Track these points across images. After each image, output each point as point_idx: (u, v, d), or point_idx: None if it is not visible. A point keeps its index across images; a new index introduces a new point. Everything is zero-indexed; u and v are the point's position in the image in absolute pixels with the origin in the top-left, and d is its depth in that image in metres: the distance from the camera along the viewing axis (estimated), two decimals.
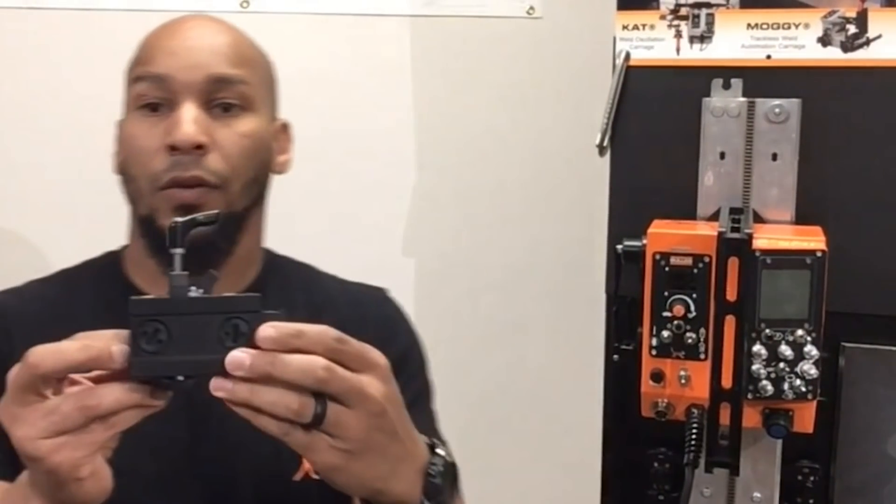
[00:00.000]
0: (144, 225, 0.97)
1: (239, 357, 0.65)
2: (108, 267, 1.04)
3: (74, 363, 0.66)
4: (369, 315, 1.12)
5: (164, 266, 0.88)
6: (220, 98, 0.97)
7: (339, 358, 0.68)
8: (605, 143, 1.10)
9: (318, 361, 0.66)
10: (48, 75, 1.68)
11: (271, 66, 1.11)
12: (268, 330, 0.66)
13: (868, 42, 1.07)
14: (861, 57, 1.07)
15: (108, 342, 0.66)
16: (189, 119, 0.94)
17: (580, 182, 1.65)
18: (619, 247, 1.06)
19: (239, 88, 0.98)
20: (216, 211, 0.75)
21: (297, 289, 1.11)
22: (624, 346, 1.09)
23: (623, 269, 1.07)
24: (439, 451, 0.82)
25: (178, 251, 0.70)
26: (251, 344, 0.66)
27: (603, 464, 1.19)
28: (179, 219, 0.70)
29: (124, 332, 0.67)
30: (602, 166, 1.15)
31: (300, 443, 0.68)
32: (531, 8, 1.71)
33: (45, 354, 0.65)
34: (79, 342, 0.66)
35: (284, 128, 1.13)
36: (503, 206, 1.77)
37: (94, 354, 0.65)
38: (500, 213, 1.78)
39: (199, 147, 0.94)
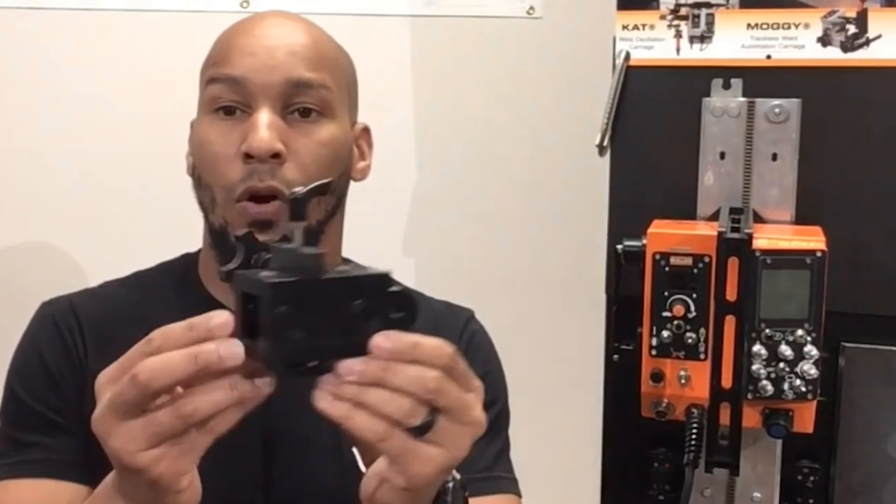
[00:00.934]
0: (216, 237, 0.92)
1: (349, 364, 0.63)
2: (184, 273, 1.00)
3: (184, 376, 0.62)
4: (452, 335, 1.07)
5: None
6: (299, 103, 0.92)
7: (450, 374, 0.67)
8: (605, 143, 1.10)
9: (430, 373, 0.65)
10: (48, 75, 1.68)
11: (352, 67, 1.07)
12: (383, 341, 0.64)
13: (868, 42, 1.07)
14: (861, 57, 1.07)
15: (218, 347, 0.62)
16: (265, 125, 0.88)
17: (580, 182, 1.65)
18: (619, 247, 1.06)
19: (318, 93, 0.93)
20: (329, 179, 0.72)
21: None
22: (624, 346, 1.09)
23: (623, 269, 1.07)
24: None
25: (301, 224, 0.65)
26: (384, 325, 0.65)
27: (603, 464, 1.19)
28: (300, 188, 0.66)
29: (225, 320, 0.63)
30: (602, 166, 1.15)
31: (397, 449, 0.65)
32: (531, 8, 1.70)
33: (156, 372, 0.62)
34: (185, 353, 0.62)
35: (365, 132, 1.10)
36: (503, 206, 1.77)
37: (203, 364, 0.62)
38: (500, 213, 1.77)
39: (276, 155, 0.88)
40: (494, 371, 1.12)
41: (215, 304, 0.90)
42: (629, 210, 1.13)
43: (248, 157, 0.88)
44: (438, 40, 1.72)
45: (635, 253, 1.04)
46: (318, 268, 0.64)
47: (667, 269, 1.02)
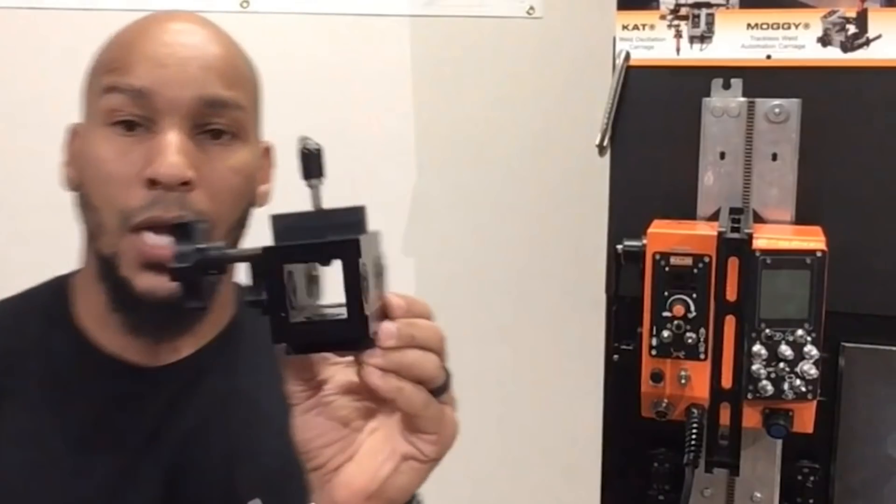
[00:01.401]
0: (105, 267, 0.80)
1: (386, 328, 0.60)
2: (54, 305, 0.87)
3: None
4: None
5: (129, 324, 0.80)
6: (211, 124, 0.81)
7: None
8: (605, 143, 1.10)
9: (438, 326, 0.65)
10: (48, 75, 1.68)
11: (259, 80, 0.95)
12: (398, 300, 0.63)
13: (868, 42, 1.07)
14: (861, 57, 1.07)
15: None
16: (175, 148, 0.77)
17: (580, 182, 1.65)
18: (619, 247, 1.06)
19: (233, 114, 0.83)
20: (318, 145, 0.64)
21: None
22: (624, 346, 1.09)
23: (623, 269, 1.07)
24: None
25: (318, 181, 0.62)
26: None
27: (603, 464, 1.19)
28: (310, 141, 0.62)
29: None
30: (602, 166, 1.15)
31: (435, 415, 0.63)
32: (531, 8, 1.71)
33: None
34: None
35: (267, 152, 0.97)
36: (503, 206, 1.77)
37: None
38: (500, 213, 1.77)
39: (185, 183, 0.78)
40: None
41: (89, 348, 0.83)
42: (629, 210, 1.13)
43: (153, 183, 0.77)
44: (438, 40, 1.72)
45: (635, 253, 1.04)
46: (365, 221, 0.62)
47: (667, 269, 1.02)
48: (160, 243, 0.76)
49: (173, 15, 0.86)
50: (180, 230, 0.60)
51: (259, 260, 0.58)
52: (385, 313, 0.62)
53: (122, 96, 0.79)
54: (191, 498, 0.83)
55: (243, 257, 0.59)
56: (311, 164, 0.62)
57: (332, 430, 0.64)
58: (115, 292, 0.80)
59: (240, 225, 0.87)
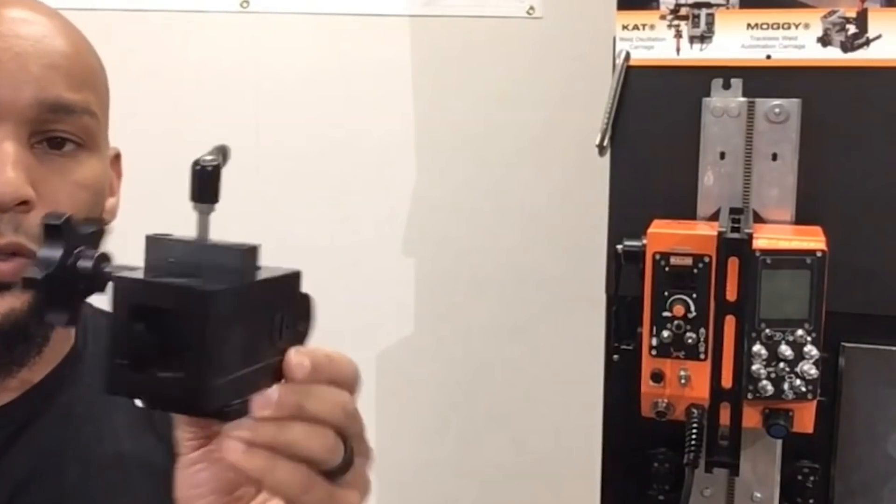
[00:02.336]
0: None
1: (266, 396, 0.49)
2: None
3: None
4: None
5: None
6: (52, 131, 0.69)
7: (355, 392, 0.54)
8: (605, 143, 1.10)
9: (347, 394, 0.53)
10: None
11: (106, 76, 0.81)
12: (301, 359, 0.51)
13: (868, 42, 1.07)
14: (861, 57, 1.07)
15: None
16: (10, 162, 0.65)
17: (580, 182, 1.65)
18: (619, 247, 1.06)
19: (81, 120, 0.71)
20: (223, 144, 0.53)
21: None
22: (624, 346, 1.09)
23: (623, 269, 1.07)
24: None
25: (212, 207, 0.50)
26: (289, 340, 0.52)
27: (603, 464, 1.19)
28: (208, 157, 0.50)
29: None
30: (602, 166, 1.15)
31: (322, 496, 0.52)
32: (531, 8, 1.70)
33: None
34: None
35: (116, 160, 0.82)
36: (503, 206, 1.77)
37: None
38: (500, 213, 1.77)
39: (23, 202, 0.66)
40: None
41: None
42: (629, 210, 1.12)
43: None
44: (438, 40, 1.72)
45: (635, 253, 1.04)
46: (252, 267, 0.48)
47: (667, 269, 1.02)
48: None
49: (13, 2, 0.72)
50: (52, 230, 0.50)
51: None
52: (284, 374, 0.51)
53: None
54: None
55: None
56: (204, 184, 0.49)
57: (213, 493, 0.55)
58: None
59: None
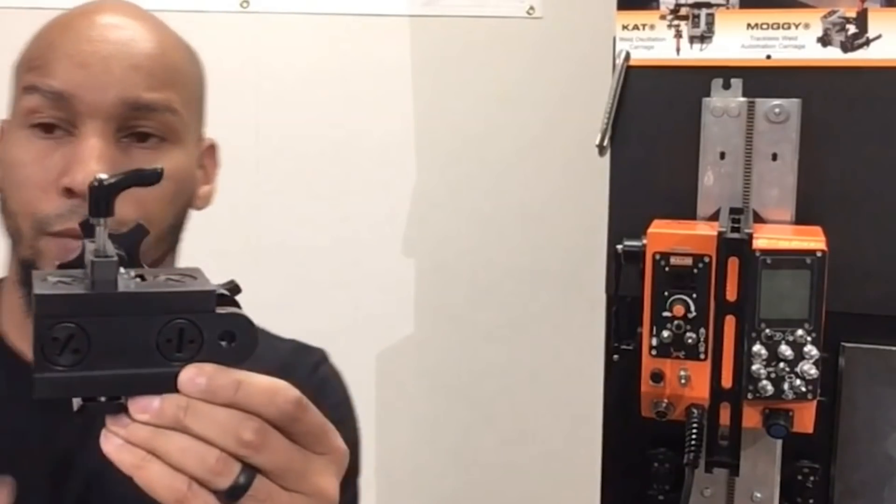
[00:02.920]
0: (25, 270, 0.76)
1: (144, 401, 0.52)
2: None
3: None
4: (299, 380, 0.87)
5: None
6: (136, 127, 0.77)
7: (289, 427, 0.54)
8: (605, 143, 1.10)
9: (251, 422, 0.52)
10: None
11: (202, 73, 0.88)
12: (194, 375, 0.52)
13: (868, 42, 1.07)
14: (861, 57, 1.07)
15: None
16: (94, 156, 0.72)
17: (580, 182, 1.65)
18: (619, 247, 1.06)
19: (162, 117, 0.77)
20: (159, 167, 0.56)
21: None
22: (624, 346, 1.09)
23: (623, 269, 1.07)
24: None
25: (102, 221, 0.52)
26: (203, 356, 0.53)
27: (603, 464, 1.19)
28: (104, 175, 0.53)
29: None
30: (602, 166, 1.15)
31: None
32: (531, 8, 1.71)
33: None
34: None
35: (211, 150, 0.90)
36: (503, 206, 1.77)
37: None
38: (499, 213, 1.77)
39: None
40: (346, 420, 0.96)
41: (14, 360, 0.79)
42: (629, 210, 1.13)
43: (70, 192, 0.73)
44: (438, 40, 1.72)
45: (635, 253, 1.04)
46: (113, 279, 0.52)
47: (667, 269, 1.02)
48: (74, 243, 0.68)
49: (102, 5, 0.79)
50: (89, 230, 0.54)
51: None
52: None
53: (42, 98, 0.74)
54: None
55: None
56: (98, 200, 0.52)
57: None
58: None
59: (174, 230, 0.83)
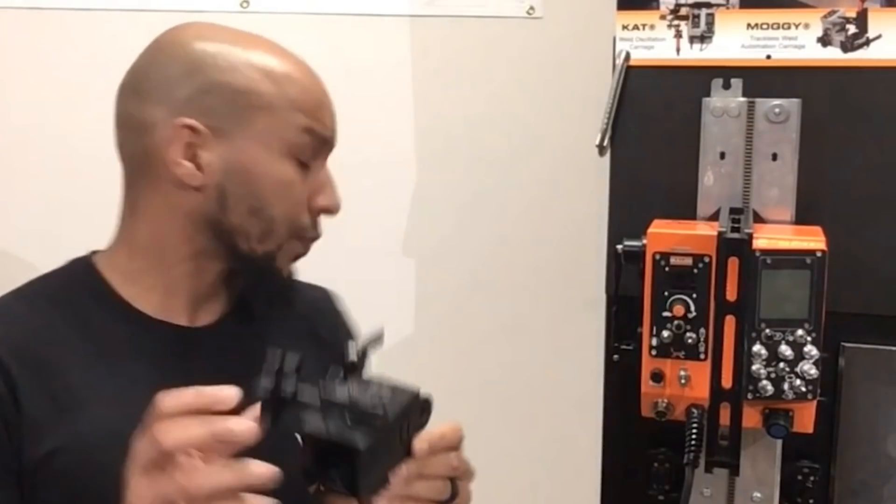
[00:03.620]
0: (251, 260, 0.93)
1: (399, 473, 0.80)
2: (88, 282, 0.94)
3: (199, 442, 0.67)
4: (332, 316, 1.18)
5: (239, 293, 1.00)
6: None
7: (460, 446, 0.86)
8: (605, 143, 1.10)
9: (453, 454, 0.84)
10: (48, 75, 1.68)
11: None
12: (423, 446, 0.80)
13: (868, 42, 1.07)
14: (861, 57, 1.07)
15: (231, 423, 0.67)
16: (333, 183, 0.97)
17: (580, 182, 1.65)
18: (619, 247, 1.06)
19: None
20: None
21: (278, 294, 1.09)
22: (624, 346, 1.09)
23: (623, 269, 1.07)
24: None
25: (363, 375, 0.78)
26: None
27: (603, 464, 1.19)
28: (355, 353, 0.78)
29: (233, 394, 0.69)
30: (602, 166, 1.15)
31: None
32: (531, 8, 1.71)
33: (172, 435, 0.67)
34: (201, 420, 0.67)
35: None
36: (503, 207, 1.77)
37: (216, 434, 0.66)
38: (499, 214, 1.77)
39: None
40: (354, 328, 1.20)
41: (136, 313, 0.93)
42: (629, 210, 1.13)
43: (327, 211, 0.97)
44: (438, 40, 1.72)
45: (635, 253, 1.04)
46: (393, 409, 0.75)
47: (667, 269, 1.02)
48: (304, 249, 0.97)
49: (299, 59, 1.00)
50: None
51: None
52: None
53: (311, 138, 0.93)
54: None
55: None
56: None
57: None
58: (258, 277, 0.97)
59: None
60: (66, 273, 0.96)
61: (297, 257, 0.98)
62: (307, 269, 1.85)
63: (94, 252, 0.98)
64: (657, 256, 1.02)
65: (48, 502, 0.83)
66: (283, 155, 0.92)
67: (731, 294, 1.00)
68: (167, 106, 0.89)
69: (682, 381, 1.02)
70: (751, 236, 0.99)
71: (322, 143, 0.94)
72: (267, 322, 1.03)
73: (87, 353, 0.89)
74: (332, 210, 0.96)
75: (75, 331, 0.90)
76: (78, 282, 0.94)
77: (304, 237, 0.96)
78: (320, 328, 1.10)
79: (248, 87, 0.91)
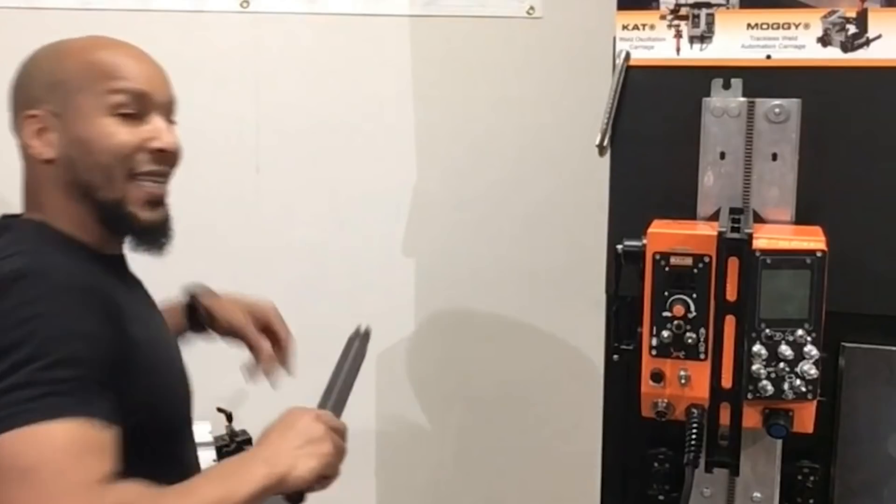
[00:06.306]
0: (108, 208, 1.09)
1: None
2: (56, 236, 1.10)
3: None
4: None
5: (122, 239, 1.12)
6: (170, 115, 1.14)
7: None
8: (605, 143, 1.10)
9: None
10: None
11: None
12: None
13: (868, 42, 1.07)
14: (861, 57, 1.07)
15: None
16: (168, 130, 1.12)
17: (580, 182, 1.65)
18: (619, 247, 1.06)
19: (174, 108, 1.15)
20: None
21: None
22: (624, 346, 1.09)
23: (623, 269, 1.07)
24: None
25: None
26: None
27: (603, 464, 1.19)
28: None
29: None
30: (602, 166, 1.15)
31: None
32: (531, 8, 1.71)
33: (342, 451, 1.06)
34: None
35: None
36: (503, 207, 1.77)
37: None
38: (500, 213, 1.78)
39: (175, 153, 1.13)
40: None
41: (105, 258, 1.12)
42: (629, 210, 1.13)
43: (159, 152, 1.10)
44: (438, 40, 1.73)
45: (635, 253, 1.04)
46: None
47: (667, 269, 1.02)
48: (155, 187, 1.10)
49: (120, 41, 1.14)
50: None
51: None
52: None
53: (125, 96, 1.09)
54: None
55: None
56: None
57: None
58: (119, 223, 1.10)
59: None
60: (34, 231, 1.10)
61: (150, 200, 1.09)
62: (309, 269, 1.85)
63: (13, 216, 1.14)
64: (657, 256, 1.02)
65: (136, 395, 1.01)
66: (104, 115, 1.08)
67: (731, 294, 1.00)
68: (23, 106, 1.11)
69: (682, 381, 1.02)
70: (751, 236, 0.99)
71: (139, 96, 1.09)
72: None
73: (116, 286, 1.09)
74: (163, 149, 1.09)
75: (104, 278, 1.08)
76: (50, 237, 1.10)
77: (141, 175, 1.09)
78: None
79: (66, 76, 1.10)
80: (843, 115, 1.08)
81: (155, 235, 1.13)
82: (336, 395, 1.10)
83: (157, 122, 1.11)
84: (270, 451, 1.01)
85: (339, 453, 1.04)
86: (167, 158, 1.11)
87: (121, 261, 1.16)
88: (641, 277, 1.03)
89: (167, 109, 1.14)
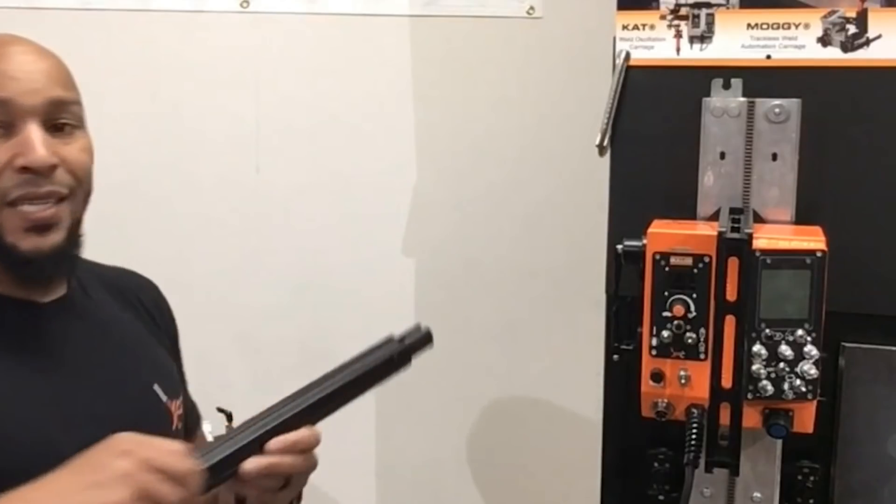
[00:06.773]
0: None
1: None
2: None
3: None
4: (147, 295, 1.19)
5: (18, 277, 0.98)
6: (59, 119, 0.98)
7: None
8: (605, 143, 1.10)
9: (299, 460, 0.92)
10: None
11: None
12: (277, 444, 0.91)
13: (868, 42, 1.07)
14: (861, 57, 1.07)
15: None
16: (40, 142, 0.95)
17: (580, 182, 1.65)
18: (619, 247, 1.06)
19: (73, 109, 1.00)
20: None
21: (96, 276, 1.14)
22: (624, 346, 1.09)
23: (623, 269, 1.07)
24: None
25: None
26: None
27: (603, 464, 1.19)
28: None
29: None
30: (602, 166, 1.15)
31: None
32: (531, 8, 1.71)
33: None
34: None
35: None
36: (503, 207, 1.77)
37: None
38: (499, 213, 1.78)
39: (52, 166, 0.96)
40: None
41: (16, 304, 1.00)
42: (629, 210, 1.13)
43: (26, 170, 0.94)
44: (438, 40, 1.73)
45: (635, 253, 1.04)
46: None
47: (667, 269, 1.02)
48: (38, 210, 0.95)
49: (7, 38, 1.02)
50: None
51: None
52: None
53: None
54: (122, 395, 1.03)
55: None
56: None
57: None
58: (3, 256, 0.96)
59: (90, 195, 1.03)
60: None
61: (32, 227, 0.95)
62: (310, 269, 1.85)
63: None
64: (657, 256, 1.02)
65: None
66: None
67: (731, 294, 1.00)
68: None
69: (682, 381, 1.02)
70: (751, 236, 0.99)
71: (2, 104, 0.94)
72: (104, 301, 1.09)
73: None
74: (29, 166, 0.94)
75: None
76: None
77: (13, 199, 0.94)
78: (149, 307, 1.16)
79: None
80: (843, 115, 1.08)
81: (41, 265, 0.96)
82: (265, 423, 0.91)
83: (29, 132, 0.94)
84: (42, 493, 0.78)
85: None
86: (42, 176, 0.94)
87: (55, 307, 1.00)
88: (641, 277, 1.03)
89: (48, 113, 0.96)
